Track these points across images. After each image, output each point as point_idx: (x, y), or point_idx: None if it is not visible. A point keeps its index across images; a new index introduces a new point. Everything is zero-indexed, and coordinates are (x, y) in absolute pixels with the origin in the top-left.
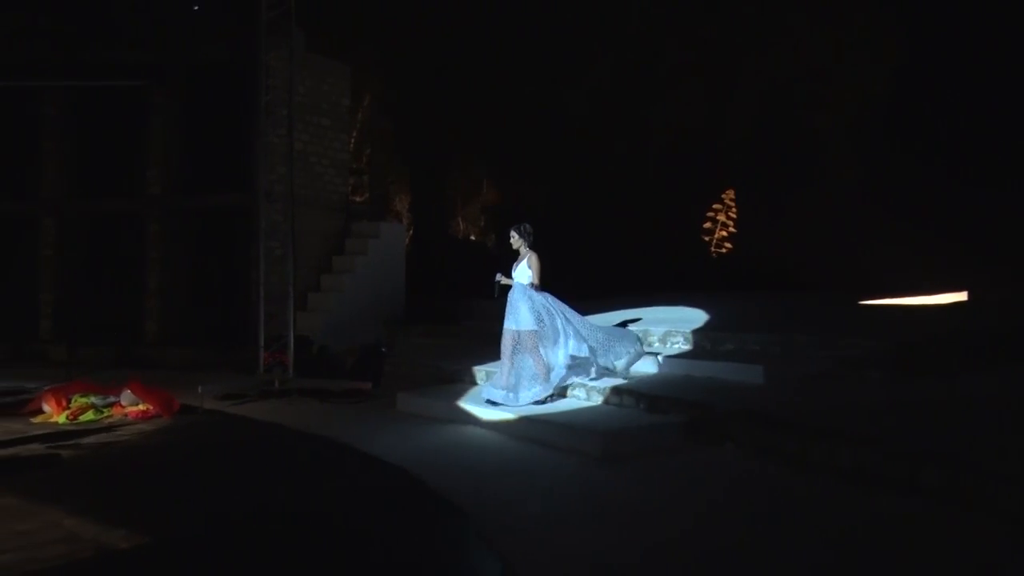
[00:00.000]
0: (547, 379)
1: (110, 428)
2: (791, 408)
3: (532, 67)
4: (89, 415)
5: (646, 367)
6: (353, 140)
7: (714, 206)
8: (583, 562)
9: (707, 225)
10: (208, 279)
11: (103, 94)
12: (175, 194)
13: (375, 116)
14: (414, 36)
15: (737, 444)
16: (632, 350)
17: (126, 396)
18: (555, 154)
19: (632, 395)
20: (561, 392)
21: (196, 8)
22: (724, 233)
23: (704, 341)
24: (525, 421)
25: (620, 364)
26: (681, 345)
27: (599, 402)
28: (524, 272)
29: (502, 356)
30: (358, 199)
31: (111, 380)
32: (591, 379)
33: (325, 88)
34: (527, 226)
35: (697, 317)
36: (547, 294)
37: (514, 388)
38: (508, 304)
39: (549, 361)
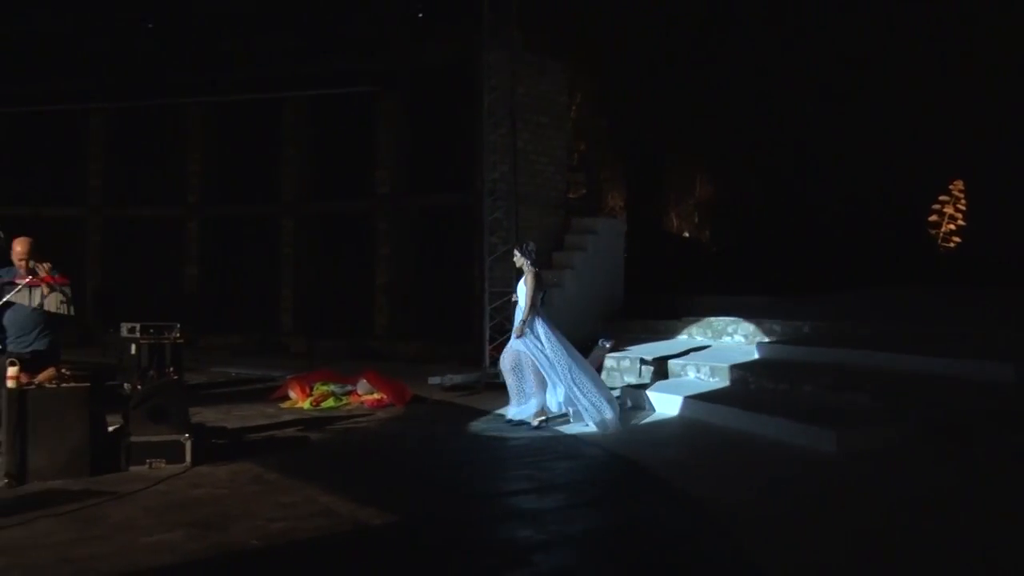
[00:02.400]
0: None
1: (349, 415)
2: None
3: (745, 62)
4: (330, 402)
5: (859, 359)
6: (568, 137)
7: (940, 198)
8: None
9: (933, 218)
10: (432, 275)
11: (335, 101)
12: (402, 194)
13: (589, 113)
14: (627, 33)
15: (987, 447)
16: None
17: (362, 385)
18: (770, 149)
19: (864, 391)
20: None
21: (420, 15)
22: (952, 226)
23: (938, 337)
24: (750, 416)
25: (593, 420)
26: (912, 339)
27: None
28: (522, 292)
29: (503, 373)
30: (572, 196)
31: (315, 366)
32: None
33: (543, 86)
34: (530, 244)
35: (929, 312)
36: (542, 322)
37: (523, 402)
38: (514, 321)
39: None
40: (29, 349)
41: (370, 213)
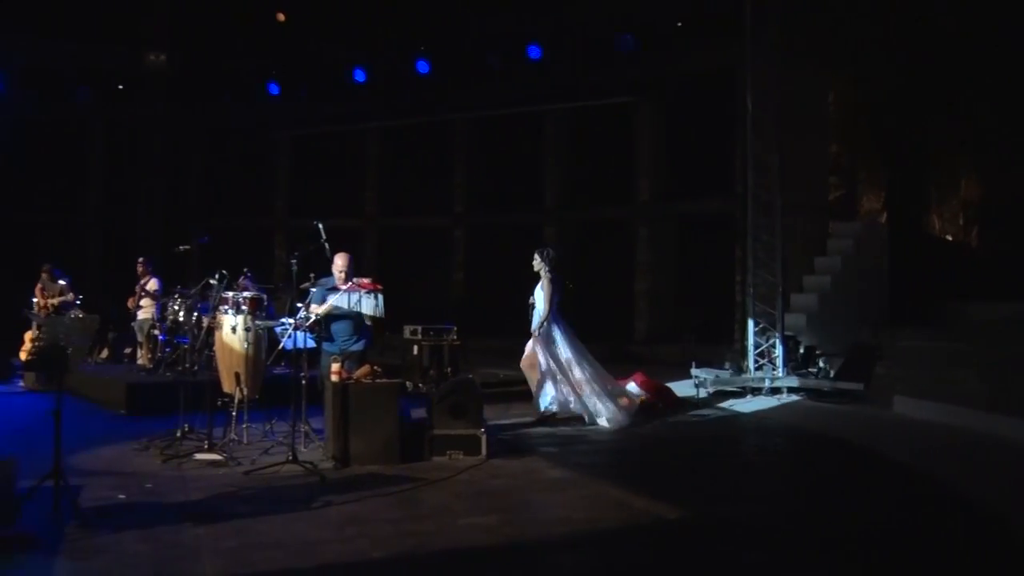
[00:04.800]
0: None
1: None
2: None
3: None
4: None
5: None
6: (827, 139)
7: None
8: None
9: None
10: (691, 280)
11: (594, 111)
12: (661, 200)
13: (846, 112)
14: (887, 27)
15: None
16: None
17: (631, 387)
18: None
19: None
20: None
21: (679, 24)
22: None
23: None
24: None
25: (601, 420)
26: None
27: None
28: (539, 295)
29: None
30: (831, 199)
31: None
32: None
33: (802, 89)
34: (550, 251)
35: None
36: (557, 325)
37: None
38: (532, 324)
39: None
40: (350, 349)
41: (630, 219)
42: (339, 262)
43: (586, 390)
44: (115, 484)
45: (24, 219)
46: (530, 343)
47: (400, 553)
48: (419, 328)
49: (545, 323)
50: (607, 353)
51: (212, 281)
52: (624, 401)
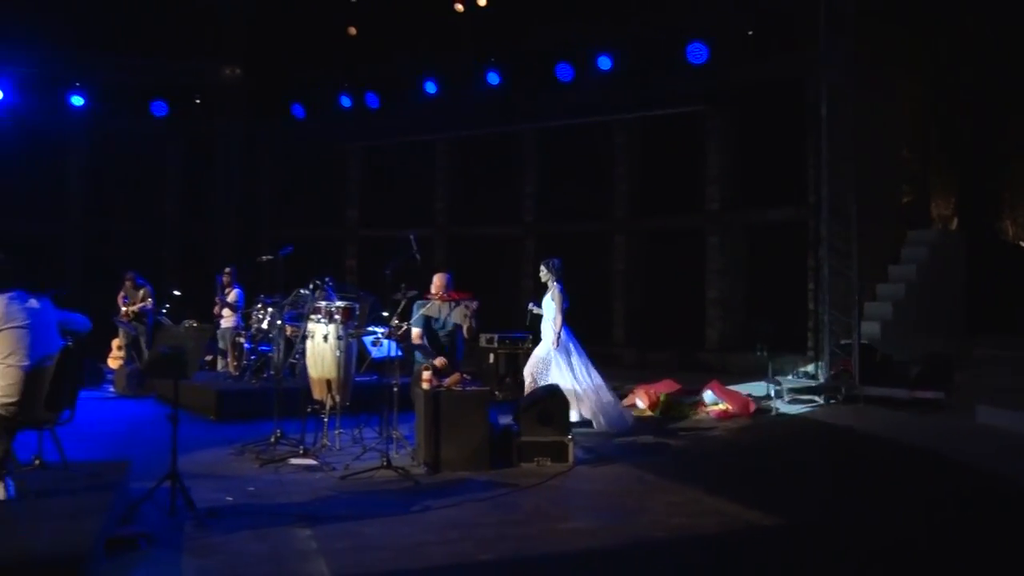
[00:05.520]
0: None
1: (698, 424)
2: None
3: None
4: (677, 411)
5: None
6: (899, 146)
7: None
8: None
9: None
10: (762, 289)
11: (664, 120)
12: (732, 209)
13: (918, 118)
14: (962, 30)
15: None
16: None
17: (707, 396)
18: None
19: None
20: None
21: (750, 33)
22: None
23: None
24: None
25: (609, 424)
26: None
27: None
28: (548, 305)
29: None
30: (902, 205)
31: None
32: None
33: (875, 96)
34: (555, 261)
35: None
36: (570, 333)
37: None
38: (542, 333)
39: None
40: (440, 357)
41: (700, 228)
42: (437, 282)
43: (595, 397)
44: (219, 487)
45: (105, 229)
46: (543, 352)
47: (506, 557)
48: (495, 336)
49: (560, 334)
50: (677, 360)
51: (304, 291)
52: (627, 404)
